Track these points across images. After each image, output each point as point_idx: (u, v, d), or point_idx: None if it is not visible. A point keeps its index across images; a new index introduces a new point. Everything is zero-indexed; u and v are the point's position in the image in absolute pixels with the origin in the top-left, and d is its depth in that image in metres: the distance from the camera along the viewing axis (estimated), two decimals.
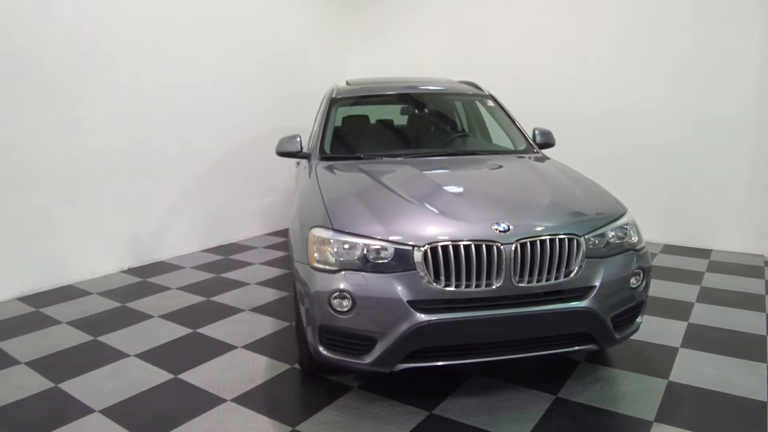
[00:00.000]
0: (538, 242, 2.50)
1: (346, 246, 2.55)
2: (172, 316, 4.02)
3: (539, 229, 2.54)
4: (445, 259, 2.44)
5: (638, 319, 2.87)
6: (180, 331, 3.77)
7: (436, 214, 2.63)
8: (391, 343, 2.45)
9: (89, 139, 4.80)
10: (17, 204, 4.38)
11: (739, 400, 2.77)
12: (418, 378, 3.02)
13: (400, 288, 2.44)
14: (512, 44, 6.40)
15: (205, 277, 4.94)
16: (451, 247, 2.45)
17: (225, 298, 4.39)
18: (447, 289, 2.44)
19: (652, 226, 5.80)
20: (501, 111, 4.21)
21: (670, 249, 5.57)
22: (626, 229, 2.79)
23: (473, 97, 4.35)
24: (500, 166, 3.49)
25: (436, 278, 2.45)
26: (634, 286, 2.72)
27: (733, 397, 2.80)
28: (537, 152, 3.87)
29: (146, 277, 4.94)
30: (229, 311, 4.12)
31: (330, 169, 3.44)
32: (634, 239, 2.80)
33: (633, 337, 3.44)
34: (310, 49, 7.15)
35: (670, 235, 5.72)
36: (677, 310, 3.96)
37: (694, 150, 5.44)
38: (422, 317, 2.41)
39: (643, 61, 5.59)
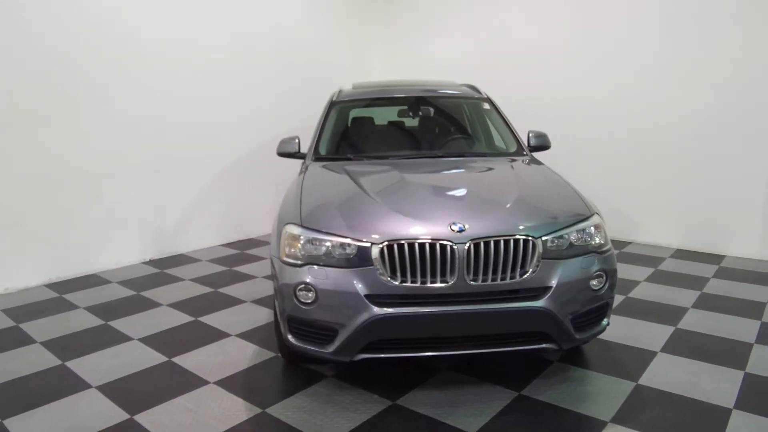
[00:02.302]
0: (492, 242, 2.59)
1: (313, 242, 2.72)
2: (179, 305, 4.31)
3: (494, 230, 2.62)
4: (400, 256, 2.57)
5: (604, 321, 2.91)
6: (183, 318, 4.04)
7: (398, 213, 2.76)
8: (350, 334, 2.60)
9: (116, 140, 5.17)
10: (49, 198, 4.78)
11: (704, 406, 2.76)
12: (391, 370, 3.16)
13: (358, 282, 2.59)
14: (527, 46, 6.40)
15: (218, 270, 5.23)
16: (406, 245, 2.58)
17: (231, 290, 4.65)
18: (402, 284, 2.57)
19: (665, 229, 5.71)
20: (496, 113, 4.27)
21: (681, 253, 5.45)
22: (590, 231, 2.83)
23: (470, 99, 4.43)
24: (479, 169, 3.58)
25: (393, 274, 2.58)
26: (595, 288, 2.76)
27: (698, 402, 2.80)
28: (526, 154, 3.92)
29: (164, 269, 5.28)
30: (232, 302, 4.37)
31: (318, 169, 3.62)
32: (598, 241, 2.84)
33: (611, 339, 3.53)
34: (333, 51, 7.36)
35: (683, 239, 5.60)
36: (668, 314, 3.92)
37: (710, 152, 5.30)
38: (378, 310, 2.55)
39: (659, 62, 5.49)
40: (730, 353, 3.32)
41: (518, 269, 2.62)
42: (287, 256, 2.77)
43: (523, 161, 3.76)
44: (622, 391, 2.91)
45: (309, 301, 2.67)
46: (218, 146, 6.09)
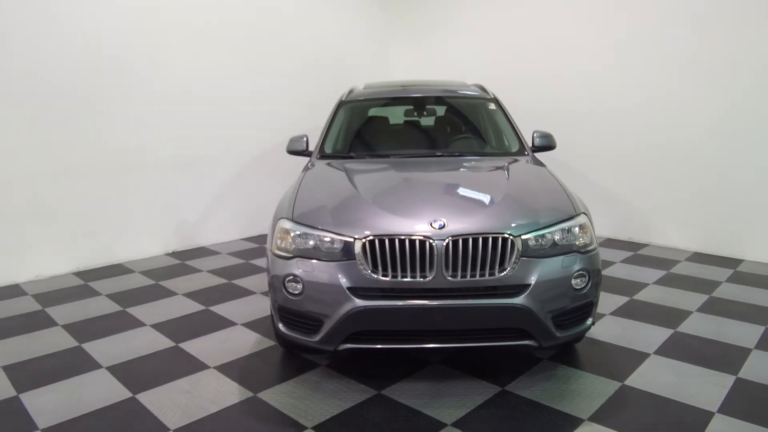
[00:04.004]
0: (471, 240, 2.66)
1: (302, 236, 2.85)
2: (193, 295, 4.52)
3: (473, 227, 2.69)
4: (381, 251, 2.68)
5: (588, 321, 2.93)
6: (195, 307, 4.25)
7: (383, 210, 2.86)
8: (333, 324, 2.72)
9: (141, 136, 5.46)
10: (78, 191, 5.10)
11: (686, 408, 2.76)
12: (382, 361, 3.27)
13: (342, 275, 2.71)
14: (550, 47, 6.36)
15: (235, 263, 5.45)
16: (387, 240, 2.68)
17: (244, 282, 4.85)
18: (383, 278, 2.67)
19: (683, 232, 5.60)
20: (501, 114, 4.31)
21: (698, 257, 5.34)
22: (575, 231, 2.86)
23: (476, 100, 4.47)
24: (474, 168, 3.64)
25: (374, 268, 2.69)
26: (577, 288, 2.79)
27: (681, 404, 2.79)
28: (527, 154, 3.94)
29: (185, 260, 5.53)
30: (243, 293, 4.56)
31: (320, 166, 3.76)
32: (583, 241, 2.86)
33: (605, 339, 3.54)
34: (353, 51, 7.50)
35: (701, 243, 5.48)
36: (670, 317, 3.88)
37: (730, 155, 5.17)
38: (359, 303, 2.66)
39: (680, 65, 5.38)
40: (725, 358, 3.28)
41: (497, 266, 2.68)
42: (278, 249, 2.92)
43: (522, 161, 3.79)
44: (606, 391, 2.93)
45: (297, 292, 2.81)
46: (240, 143, 6.32)
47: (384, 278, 2.67)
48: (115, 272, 5.14)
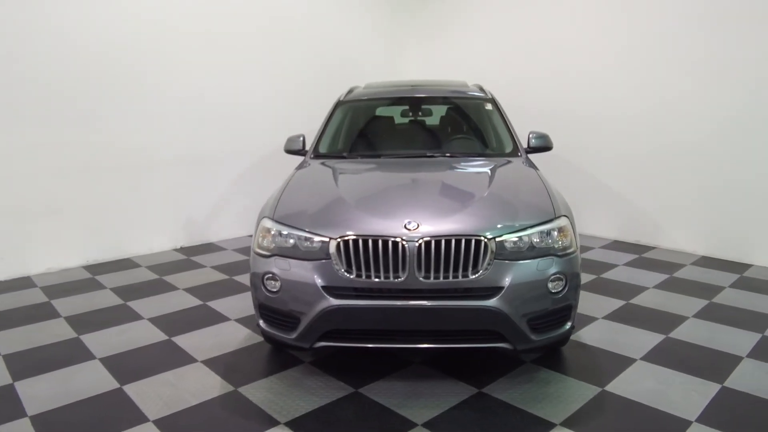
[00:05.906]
0: (443, 242, 2.67)
1: (281, 236, 2.91)
2: (193, 290, 4.64)
3: (446, 229, 2.70)
4: (354, 251, 2.71)
5: (567, 324, 2.91)
6: (193, 302, 4.36)
7: (359, 211, 2.90)
8: (309, 322, 2.77)
9: (152, 136, 5.60)
10: (90, 188, 5.27)
11: (664, 416, 2.71)
12: (364, 360, 3.30)
13: (317, 274, 2.75)
14: (560, 47, 6.29)
15: (239, 259, 5.55)
16: (360, 241, 2.71)
17: (244, 278, 4.93)
18: (357, 278, 2.70)
19: (691, 236, 5.47)
20: (498, 114, 4.28)
21: (705, 261, 5.21)
22: (553, 234, 2.83)
23: (473, 100, 4.46)
24: (460, 169, 3.64)
25: (348, 268, 2.72)
26: (553, 291, 2.77)
27: (659, 412, 2.75)
28: (520, 155, 3.92)
29: (191, 256, 5.66)
30: (241, 289, 4.65)
31: (311, 166, 3.81)
32: (561, 244, 2.83)
33: (592, 343, 3.50)
34: (365, 52, 7.54)
35: (709, 247, 5.35)
36: (663, 323, 3.81)
37: (740, 158, 5.02)
38: (334, 301, 2.70)
39: (687, 66, 5.25)
40: (714, 366, 3.20)
41: (470, 268, 2.68)
42: (259, 247, 2.98)
43: (513, 163, 3.76)
44: (584, 396, 2.90)
45: (275, 289, 2.86)
46: (249, 143, 6.42)
47: (357, 278, 2.70)
48: (123, 266, 5.29)
